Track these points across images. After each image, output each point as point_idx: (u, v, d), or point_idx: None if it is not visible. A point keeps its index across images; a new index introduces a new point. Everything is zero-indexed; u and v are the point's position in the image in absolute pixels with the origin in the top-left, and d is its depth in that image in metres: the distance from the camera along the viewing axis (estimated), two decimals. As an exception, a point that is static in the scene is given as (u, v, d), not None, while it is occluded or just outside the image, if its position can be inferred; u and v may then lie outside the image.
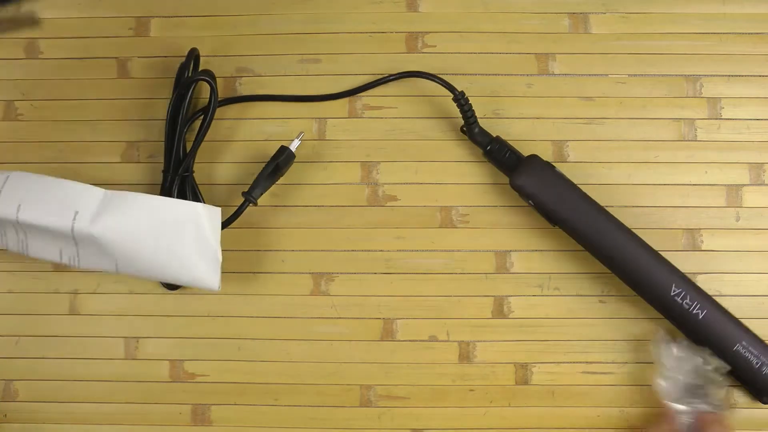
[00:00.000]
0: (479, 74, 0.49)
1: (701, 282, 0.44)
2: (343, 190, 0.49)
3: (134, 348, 0.48)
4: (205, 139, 0.47)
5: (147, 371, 0.48)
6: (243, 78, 0.50)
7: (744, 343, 0.43)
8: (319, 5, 0.50)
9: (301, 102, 0.49)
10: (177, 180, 0.46)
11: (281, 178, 0.47)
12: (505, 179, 0.47)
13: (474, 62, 0.50)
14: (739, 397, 0.47)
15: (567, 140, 0.49)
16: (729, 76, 0.49)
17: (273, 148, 0.47)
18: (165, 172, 0.47)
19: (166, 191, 0.47)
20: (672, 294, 0.43)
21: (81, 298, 0.48)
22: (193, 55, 0.48)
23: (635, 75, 0.49)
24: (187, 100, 0.47)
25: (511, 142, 0.47)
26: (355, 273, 0.48)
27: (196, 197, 0.47)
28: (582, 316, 0.48)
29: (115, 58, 0.50)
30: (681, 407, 0.43)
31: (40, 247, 0.45)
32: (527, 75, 0.49)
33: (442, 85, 0.46)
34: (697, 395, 0.43)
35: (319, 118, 0.49)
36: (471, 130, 0.47)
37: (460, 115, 0.47)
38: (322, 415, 0.47)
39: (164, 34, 0.50)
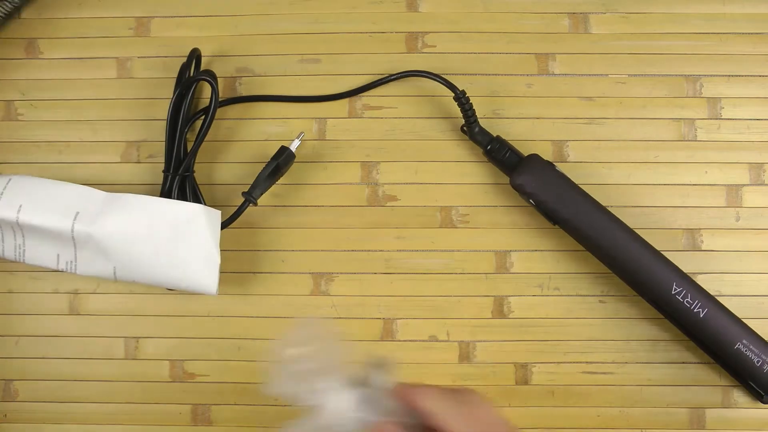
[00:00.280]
0: (479, 74, 0.49)
1: (701, 282, 0.44)
2: (343, 190, 0.49)
3: (134, 348, 0.48)
4: (206, 139, 0.47)
5: (147, 371, 0.48)
6: (243, 78, 0.50)
7: (745, 341, 0.43)
8: (319, 5, 0.50)
9: (301, 102, 0.49)
10: (177, 180, 0.46)
11: (281, 178, 0.47)
12: (506, 179, 0.47)
13: (474, 62, 0.50)
14: (739, 397, 0.47)
15: (567, 140, 0.49)
16: (729, 76, 0.49)
17: (273, 148, 0.47)
18: (165, 172, 0.47)
19: (166, 191, 0.47)
20: (673, 293, 0.43)
21: (81, 298, 0.48)
22: (195, 56, 0.48)
23: (635, 75, 0.49)
24: (188, 100, 0.47)
25: (511, 143, 0.47)
26: (355, 273, 0.48)
27: (197, 197, 0.47)
28: (582, 316, 0.48)
29: (115, 58, 0.50)
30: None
31: (37, 252, 0.45)
32: (527, 75, 0.49)
33: (443, 84, 0.47)
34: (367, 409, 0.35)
35: (319, 118, 0.49)
36: (471, 129, 0.47)
37: (460, 115, 0.47)
38: (322, 415, 0.47)
39: (164, 34, 0.50)
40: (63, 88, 0.50)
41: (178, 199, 0.46)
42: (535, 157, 0.46)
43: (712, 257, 0.48)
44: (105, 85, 0.50)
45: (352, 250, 0.48)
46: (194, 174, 0.48)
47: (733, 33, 0.49)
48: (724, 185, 0.48)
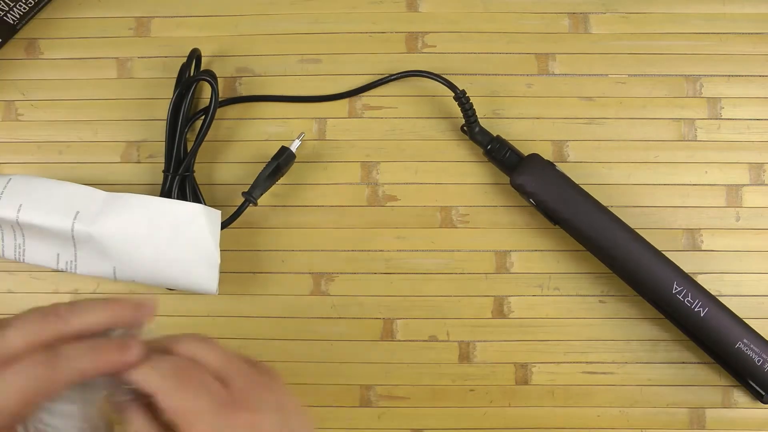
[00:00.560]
0: (479, 74, 0.49)
1: (701, 282, 0.44)
2: (343, 190, 0.49)
3: (134, 348, 0.48)
4: (206, 139, 0.47)
5: (147, 371, 0.48)
6: (243, 78, 0.50)
7: (746, 340, 0.43)
8: (319, 5, 0.50)
9: (301, 102, 0.49)
10: (177, 180, 0.46)
11: (281, 178, 0.47)
12: (506, 179, 0.47)
13: (474, 62, 0.50)
14: (740, 397, 0.47)
15: (567, 140, 0.49)
16: (729, 76, 0.49)
17: (273, 149, 0.47)
18: (165, 172, 0.47)
19: (166, 191, 0.47)
20: (673, 292, 0.43)
21: (81, 298, 0.48)
22: (195, 56, 0.48)
23: (635, 75, 0.49)
24: (188, 100, 0.47)
25: (511, 142, 0.47)
26: (355, 273, 0.48)
27: (197, 197, 0.47)
28: (582, 316, 0.47)
29: (115, 58, 0.50)
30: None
31: (37, 252, 0.45)
32: (527, 75, 0.49)
33: (444, 84, 0.47)
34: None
35: (319, 118, 0.49)
36: (471, 129, 0.47)
37: (460, 115, 0.47)
38: (322, 414, 0.47)
39: (164, 34, 0.50)
40: (63, 88, 0.50)
41: (178, 199, 0.46)
42: (535, 157, 0.46)
43: (712, 257, 0.48)
44: (105, 85, 0.50)
45: (352, 250, 0.48)
46: (194, 174, 0.48)
47: (733, 33, 0.49)
48: (724, 185, 0.48)
